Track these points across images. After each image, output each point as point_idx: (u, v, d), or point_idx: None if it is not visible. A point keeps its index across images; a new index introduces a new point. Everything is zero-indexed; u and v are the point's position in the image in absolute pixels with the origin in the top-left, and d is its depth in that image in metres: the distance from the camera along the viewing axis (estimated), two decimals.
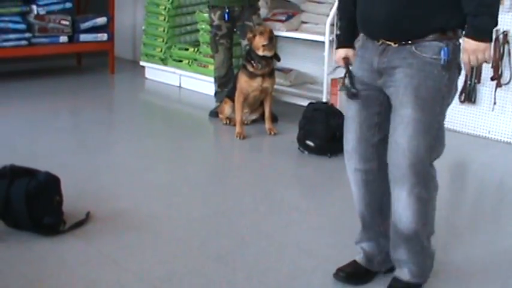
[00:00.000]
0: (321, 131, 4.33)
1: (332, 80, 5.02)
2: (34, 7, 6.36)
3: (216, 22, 5.23)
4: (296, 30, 5.62)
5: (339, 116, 4.48)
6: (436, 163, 2.37)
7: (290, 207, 3.46)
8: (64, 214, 3.02)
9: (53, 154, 4.17)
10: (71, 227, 2.98)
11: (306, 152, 4.38)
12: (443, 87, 2.25)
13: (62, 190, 3.05)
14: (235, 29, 5.21)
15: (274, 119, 5.05)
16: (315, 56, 5.61)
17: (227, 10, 5.11)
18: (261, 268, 2.70)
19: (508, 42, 4.60)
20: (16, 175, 2.94)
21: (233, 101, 4.94)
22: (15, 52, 6.31)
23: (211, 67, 6.02)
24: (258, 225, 3.19)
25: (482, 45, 2.15)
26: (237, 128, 4.82)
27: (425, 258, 2.48)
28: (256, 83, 4.77)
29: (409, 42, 2.24)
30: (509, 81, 4.63)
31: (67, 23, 6.60)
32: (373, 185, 2.50)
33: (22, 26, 6.28)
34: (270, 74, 4.85)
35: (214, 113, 5.33)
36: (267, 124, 4.90)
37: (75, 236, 2.94)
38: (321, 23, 5.24)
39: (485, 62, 2.23)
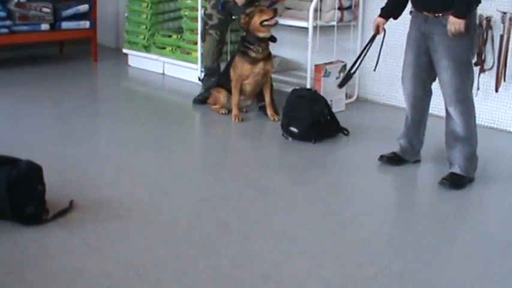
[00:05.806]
0: (304, 117, 4.32)
1: (316, 66, 5.01)
2: None
3: (209, 11, 5.17)
4: (280, 16, 5.59)
5: (322, 102, 4.50)
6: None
7: (274, 193, 3.46)
8: (47, 203, 3.00)
9: (35, 143, 4.13)
10: (54, 216, 2.96)
11: (290, 138, 4.38)
12: (466, 43, 3.42)
13: (45, 179, 3.03)
14: (234, 18, 5.12)
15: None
16: (299, 42, 5.59)
17: (222, 0, 5.06)
18: (245, 255, 2.71)
19: (491, 27, 4.61)
20: None
21: (226, 89, 4.89)
22: None
23: (195, 54, 6.00)
24: (242, 211, 3.19)
25: (459, 20, 3.32)
26: (234, 111, 4.81)
27: (472, 159, 3.56)
28: (258, 68, 4.73)
29: (440, 15, 3.40)
30: (492, 66, 4.65)
31: (48, 10, 6.51)
32: (418, 106, 3.73)
33: (2, 14, 6.18)
34: (269, 56, 4.82)
35: (198, 100, 5.30)
36: (269, 110, 4.87)
37: (59, 224, 2.92)
38: (305, 9, 5.22)
39: (461, 31, 3.33)
